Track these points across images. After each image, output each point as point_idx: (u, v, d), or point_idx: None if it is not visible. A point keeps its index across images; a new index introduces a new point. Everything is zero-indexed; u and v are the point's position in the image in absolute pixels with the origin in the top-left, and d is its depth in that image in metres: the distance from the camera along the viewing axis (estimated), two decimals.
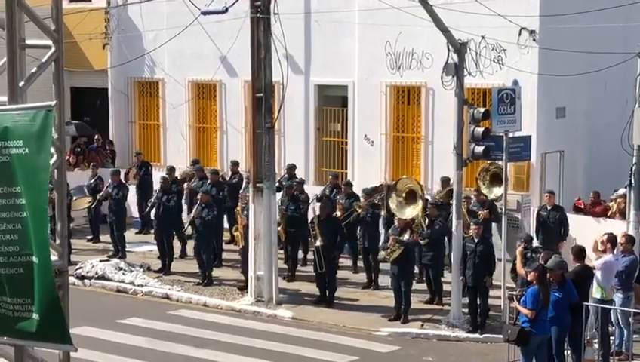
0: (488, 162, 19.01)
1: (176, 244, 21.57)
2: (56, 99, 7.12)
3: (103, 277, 20.21)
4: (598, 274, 15.00)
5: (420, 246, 17.98)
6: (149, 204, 21.66)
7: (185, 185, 22.89)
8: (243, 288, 19.20)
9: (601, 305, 14.78)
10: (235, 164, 23.22)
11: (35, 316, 6.66)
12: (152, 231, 21.93)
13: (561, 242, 18.49)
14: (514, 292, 14.57)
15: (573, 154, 20.86)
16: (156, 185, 22.34)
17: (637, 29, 19.92)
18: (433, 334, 16.73)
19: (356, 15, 22.27)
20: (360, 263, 20.23)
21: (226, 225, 21.84)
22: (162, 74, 26.06)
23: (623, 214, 18.26)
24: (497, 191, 19.08)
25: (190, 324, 17.42)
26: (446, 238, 18.37)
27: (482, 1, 18.74)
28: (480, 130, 16.57)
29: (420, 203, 18.23)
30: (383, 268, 18.84)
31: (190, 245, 21.27)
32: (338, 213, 19.62)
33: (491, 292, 16.90)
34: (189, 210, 20.99)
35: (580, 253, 15.00)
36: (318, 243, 18.21)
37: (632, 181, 17.23)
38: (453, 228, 17.09)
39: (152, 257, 21.58)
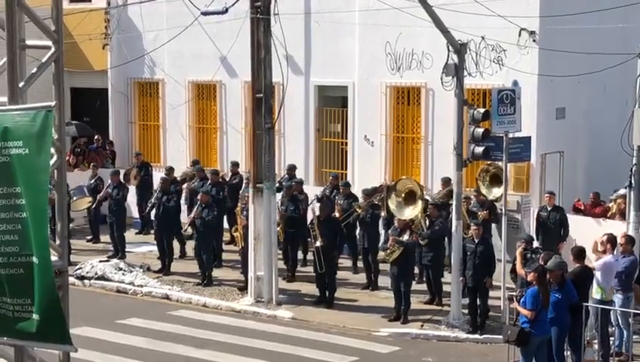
0: (488, 163, 19.00)
1: (176, 245, 21.57)
2: (56, 99, 7.13)
3: (102, 278, 20.21)
4: (597, 274, 15.01)
5: (420, 247, 17.98)
6: (149, 205, 21.65)
7: (185, 185, 22.89)
8: (243, 288, 19.21)
9: (601, 306, 14.78)
10: (235, 164, 23.22)
11: (35, 316, 6.67)
12: (152, 231, 21.94)
13: (561, 243, 18.49)
14: (514, 293, 14.57)
15: (573, 155, 20.86)
16: (156, 186, 22.33)
17: (637, 29, 19.93)
18: (433, 335, 16.72)
19: (356, 15, 22.28)
20: (360, 264, 20.23)
21: (226, 225, 21.84)
22: (162, 74, 26.06)
23: (623, 215, 18.26)
24: (496, 191, 19.09)
25: (190, 325, 17.42)
26: (446, 239, 18.37)
27: (482, 2, 18.74)
28: (480, 130, 16.57)
29: (420, 203, 18.23)
30: (383, 269, 18.84)
31: (190, 245, 21.26)
32: (337, 214, 19.61)
33: (491, 293, 16.90)
34: (189, 211, 20.99)
35: (579, 253, 15.00)
36: (318, 243, 18.21)
37: (632, 182, 17.23)
38: (453, 228, 17.09)
39: (151, 257, 21.58)
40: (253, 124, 18.69)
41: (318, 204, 19.31)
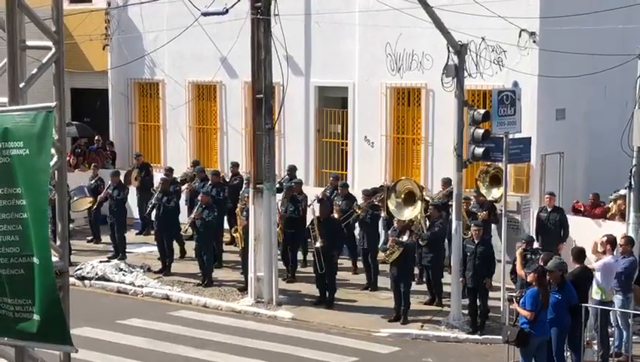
0: (487, 163, 19.01)
1: (177, 245, 21.58)
2: (56, 100, 7.14)
3: (103, 278, 20.22)
4: (597, 275, 15.02)
5: (420, 248, 17.99)
6: (149, 206, 21.65)
7: (185, 186, 22.91)
8: (243, 289, 19.22)
9: (601, 307, 14.79)
10: (235, 165, 23.23)
11: (36, 317, 6.68)
12: (153, 232, 21.95)
13: (561, 244, 18.50)
14: (513, 294, 14.58)
15: (573, 156, 20.87)
16: (156, 186, 22.32)
17: (637, 30, 19.92)
18: (433, 335, 16.73)
19: (356, 16, 22.29)
20: (360, 264, 20.24)
21: (226, 226, 21.84)
22: (162, 75, 26.07)
23: (623, 216, 18.27)
24: (496, 192, 19.09)
25: (190, 325, 17.43)
26: (446, 240, 18.37)
27: (482, 3, 18.76)
28: (480, 131, 16.57)
29: (419, 204, 18.22)
30: (383, 269, 18.85)
31: (191, 246, 21.26)
32: (335, 215, 19.61)
33: (491, 294, 16.90)
34: (190, 211, 21.00)
35: (579, 254, 15.01)
36: (318, 244, 18.22)
37: (632, 183, 17.23)
38: (453, 229, 17.10)
39: (152, 258, 21.59)
40: (254, 125, 18.70)
41: (318, 205, 19.31)
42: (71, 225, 21.52)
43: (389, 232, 17.83)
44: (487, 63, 20.48)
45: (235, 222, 20.54)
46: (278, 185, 19.89)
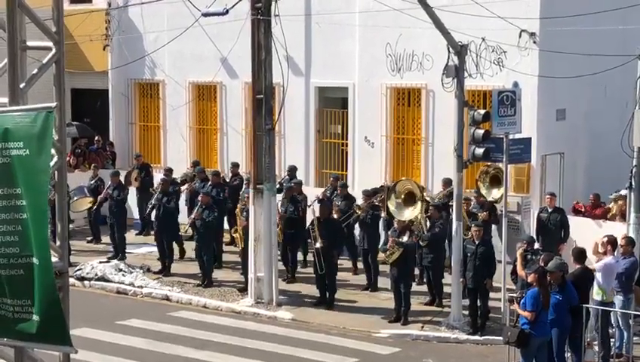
0: (487, 164, 19.00)
1: (176, 246, 21.56)
2: (56, 100, 7.13)
3: (102, 279, 20.21)
4: (598, 276, 15.01)
5: (420, 248, 17.98)
6: (149, 206, 21.64)
7: (185, 186, 22.90)
8: (243, 289, 19.21)
9: (602, 307, 14.78)
10: (236, 165, 23.22)
11: (36, 317, 6.67)
12: (153, 232, 21.94)
13: (561, 244, 18.49)
14: (514, 295, 14.58)
15: (573, 157, 20.87)
16: (156, 187, 22.32)
17: (637, 31, 19.92)
18: (433, 336, 16.72)
19: (357, 17, 22.29)
20: (360, 265, 20.23)
21: (226, 226, 21.84)
22: (163, 75, 26.06)
23: (623, 216, 18.26)
24: (496, 193, 19.08)
25: (190, 326, 17.42)
26: (447, 240, 18.36)
27: (483, 4, 18.76)
28: (480, 131, 16.56)
29: (419, 205, 18.21)
30: (383, 270, 18.84)
31: (191, 246, 21.24)
32: (334, 216, 19.59)
33: (491, 295, 16.89)
34: (190, 212, 20.99)
35: (580, 255, 15.01)
36: (318, 244, 18.20)
37: (632, 183, 17.23)
38: (454, 230, 17.09)
39: (152, 258, 21.58)
40: (254, 125, 18.70)
41: (318, 205, 19.30)
42: (70, 226, 21.49)
43: (389, 233, 17.82)
44: (487, 64, 20.47)
45: (235, 222, 20.53)
46: (278, 186, 19.88)
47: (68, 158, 24.43)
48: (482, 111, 16.88)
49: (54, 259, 6.95)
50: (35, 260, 6.59)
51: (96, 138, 26.89)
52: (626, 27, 20.13)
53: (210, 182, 21.89)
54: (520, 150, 17.92)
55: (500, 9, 18.87)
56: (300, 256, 20.73)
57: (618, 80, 20.12)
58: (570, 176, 20.80)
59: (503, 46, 20.16)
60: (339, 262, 18.94)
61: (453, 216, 17.20)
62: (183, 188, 22.86)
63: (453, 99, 17.01)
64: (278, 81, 18.76)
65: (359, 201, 20.09)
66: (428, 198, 19.53)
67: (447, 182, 19.61)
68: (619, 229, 17.23)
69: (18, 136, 6.61)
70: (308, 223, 19.53)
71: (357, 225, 20.15)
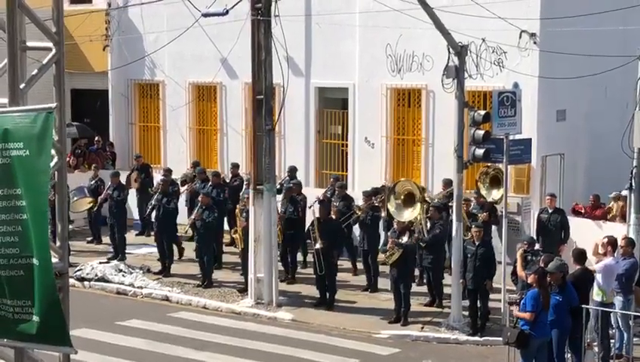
0: (487, 165, 18.99)
1: (175, 246, 21.57)
2: (56, 101, 7.13)
3: (102, 279, 20.21)
4: (598, 277, 15.00)
5: (420, 249, 17.96)
6: (149, 207, 21.64)
7: (185, 187, 22.90)
8: (243, 290, 19.20)
9: (602, 308, 14.78)
10: (236, 166, 23.21)
11: (36, 318, 6.66)
12: (153, 233, 21.93)
13: (561, 245, 18.48)
14: (514, 296, 14.57)
15: (573, 157, 20.87)
16: (155, 187, 22.31)
17: (637, 32, 19.92)
18: (433, 337, 16.72)
19: (357, 17, 22.29)
20: (360, 265, 20.21)
21: (226, 227, 21.83)
22: (163, 76, 26.06)
23: (623, 217, 18.26)
24: (496, 193, 19.07)
25: (190, 326, 17.41)
26: (446, 241, 18.35)
27: (483, 4, 18.76)
28: (480, 132, 16.56)
29: (419, 206, 18.18)
30: (383, 271, 18.83)
31: (191, 247, 21.23)
32: (333, 216, 19.57)
33: (491, 295, 16.88)
34: (190, 212, 20.98)
35: (580, 255, 15.00)
36: (318, 245, 18.19)
37: (633, 184, 17.22)
38: (454, 230, 17.08)
39: (151, 259, 21.57)
40: (254, 126, 18.69)
41: (318, 206, 19.28)
42: (70, 226, 21.48)
43: (389, 234, 17.82)
44: (487, 64, 20.47)
45: (235, 223, 20.53)
46: (278, 186, 19.87)
47: (68, 159, 24.42)
48: (482, 112, 16.88)
49: (54, 260, 6.94)
50: (35, 261, 6.58)
51: (96, 138, 26.88)
52: (627, 28, 20.12)
53: (210, 183, 21.88)
54: (520, 151, 17.92)
55: (500, 10, 18.87)
56: (299, 257, 20.72)
57: (618, 81, 20.12)
58: (571, 177, 20.80)
59: (504, 47, 20.16)
60: (339, 262, 18.94)
61: (453, 217, 17.19)
62: (182, 188, 22.86)
63: (453, 99, 17.00)
64: (278, 82, 18.75)
65: (358, 202, 20.07)
66: (428, 199, 19.52)
67: (448, 183, 19.60)
68: (619, 230, 17.22)
69: (18, 137, 6.60)
70: (308, 224, 19.52)
71: (357, 226, 20.14)
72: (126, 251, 21.89)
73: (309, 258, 20.28)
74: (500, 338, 14.69)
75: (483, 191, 19.44)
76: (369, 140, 22.70)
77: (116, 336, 16.76)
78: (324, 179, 23.41)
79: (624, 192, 18.32)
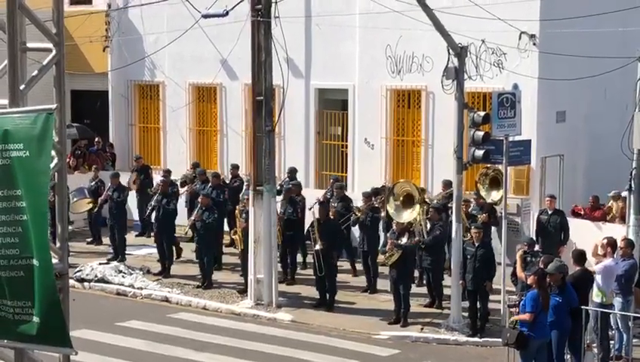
0: (487, 166, 18.99)
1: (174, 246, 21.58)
2: (56, 102, 7.12)
3: (102, 280, 20.21)
4: (598, 278, 15.01)
5: (420, 250, 17.97)
6: (149, 207, 21.64)
7: (185, 188, 22.90)
8: (243, 291, 19.20)
9: (601, 309, 14.78)
10: (235, 167, 23.22)
11: (36, 319, 6.66)
12: (152, 234, 21.94)
13: (561, 246, 18.49)
14: (514, 297, 14.58)
15: (573, 159, 20.87)
16: (154, 188, 22.31)
17: (637, 33, 19.93)
18: (433, 338, 16.72)
19: (357, 18, 22.30)
20: (359, 266, 20.21)
21: (226, 228, 21.83)
22: (163, 77, 26.07)
23: (623, 218, 18.26)
24: (495, 194, 19.07)
25: (190, 327, 17.42)
26: (446, 242, 18.35)
27: (483, 6, 18.78)
28: (480, 133, 16.57)
29: (417, 207, 18.19)
30: (382, 272, 18.83)
31: (190, 248, 21.23)
32: (332, 217, 19.57)
33: (491, 297, 16.88)
34: (190, 213, 20.98)
35: (580, 257, 15.01)
36: (318, 246, 18.20)
37: (632, 185, 17.23)
38: (453, 231, 17.09)
39: (151, 260, 21.58)
40: (254, 127, 18.70)
41: (318, 207, 19.28)
42: (70, 227, 21.49)
43: (388, 235, 17.82)
44: (487, 66, 20.48)
45: (235, 224, 20.53)
46: (278, 188, 19.88)
47: (68, 160, 24.41)
48: (482, 113, 16.89)
49: (54, 261, 6.94)
50: (35, 262, 6.58)
51: (96, 139, 26.89)
52: (626, 29, 20.13)
53: (210, 184, 21.88)
54: (520, 152, 17.92)
55: (499, 11, 18.89)
56: (299, 258, 20.73)
57: (618, 82, 20.12)
58: (570, 178, 20.80)
59: (503, 48, 20.17)
60: (339, 263, 18.94)
61: (453, 218, 17.20)
62: (182, 190, 22.87)
63: (453, 101, 17.01)
64: (278, 83, 18.76)
65: (358, 203, 20.07)
66: (427, 200, 19.52)
67: (447, 184, 19.61)
68: (618, 231, 17.23)
69: (18, 138, 6.60)
70: (307, 225, 19.52)
71: (356, 227, 20.14)
72: (126, 252, 21.90)
73: (309, 259, 20.29)
74: (500, 340, 14.70)
75: (483, 193, 19.43)
76: (369, 141, 22.71)
77: (116, 337, 16.76)
78: (323, 180, 23.41)
79: (624, 193, 18.33)
